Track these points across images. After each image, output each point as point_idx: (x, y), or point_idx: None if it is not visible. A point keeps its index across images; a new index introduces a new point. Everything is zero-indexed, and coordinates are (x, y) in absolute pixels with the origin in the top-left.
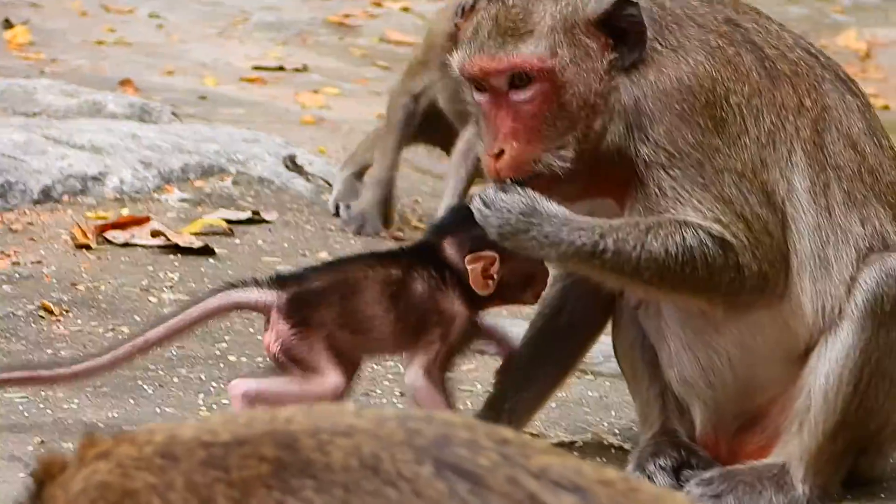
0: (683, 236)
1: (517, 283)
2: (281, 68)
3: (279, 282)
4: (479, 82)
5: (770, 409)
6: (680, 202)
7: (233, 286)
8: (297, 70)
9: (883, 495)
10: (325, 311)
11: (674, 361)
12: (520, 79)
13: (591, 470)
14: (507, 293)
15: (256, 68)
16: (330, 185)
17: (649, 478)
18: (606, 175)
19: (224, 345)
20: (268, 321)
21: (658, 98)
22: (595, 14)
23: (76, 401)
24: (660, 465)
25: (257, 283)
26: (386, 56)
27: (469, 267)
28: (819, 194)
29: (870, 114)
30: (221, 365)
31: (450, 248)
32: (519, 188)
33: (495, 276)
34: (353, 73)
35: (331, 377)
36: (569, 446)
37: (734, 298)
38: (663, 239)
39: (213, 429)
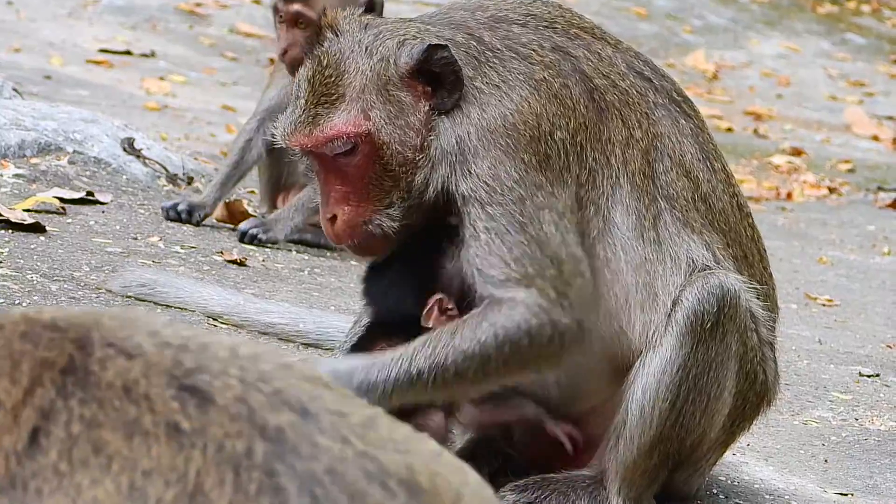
0: (492, 322)
1: None
2: (128, 53)
3: None
4: (309, 156)
5: (590, 419)
6: (488, 247)
7: None
8: (144, 56)
9: None
10: None
11: None
12: (341, 146)
13: (333, 399)
14: None
15: (104, 51)
16: (167, 170)
17: None
18: (437, 219)
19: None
20: None
21: (482, 135)
22: (407, 66)
23: None
24: (475, 469)
25: None
26: (235, 47)
27: (429, 325)
28: (648, 228)
29: (703, 136)
30: None
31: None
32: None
33: (451, 307)
34: (200, 63)
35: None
36: None
37: (560, 354)
38: (472, 332)
39: (40, 310)
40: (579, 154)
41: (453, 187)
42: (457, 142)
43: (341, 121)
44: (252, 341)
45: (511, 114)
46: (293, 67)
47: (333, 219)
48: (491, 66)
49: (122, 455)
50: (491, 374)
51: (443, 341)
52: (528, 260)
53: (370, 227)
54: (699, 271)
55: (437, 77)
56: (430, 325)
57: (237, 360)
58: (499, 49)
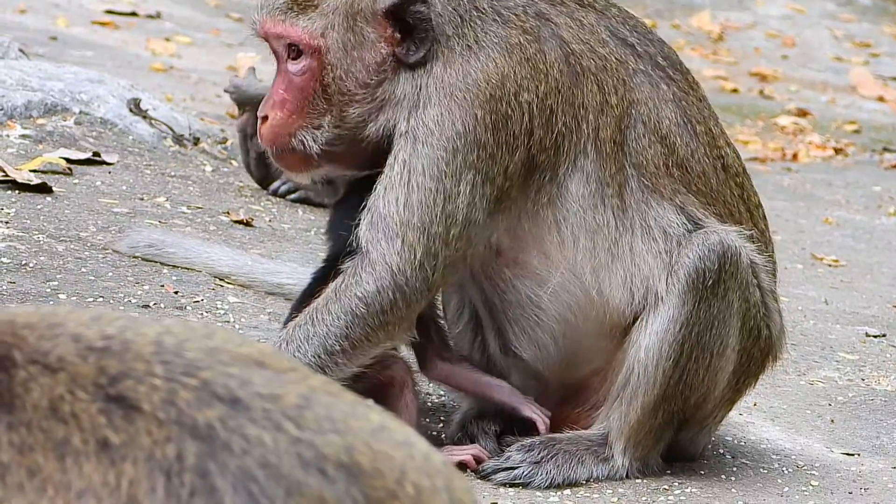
0: (348, 285)
1: None
2: (134, 14)
3: None
4: (267, 42)
5: (593, 380)
6: (396, 180)
7: None
8: (150, 16)
9: (703, 472)
10: None
11: (498, 332)
12: (294, 50)
13: (265, 380)
14: None
15: (109, 12)
16: (173, 131)
17: (472, 439)
18: (381, 158)
19: (55, 283)
20: None
21: (440, 87)
22: (383, 6)
23: None
24: (483, 428)
25: None
26: (240, 8)
27: None
28: (611, 195)
29: (688, 100)
30: (51, 302)
31: None
32: None
33: None
34: (206, 24)
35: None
36: None
37: (402, 318)
38: (324, 314)
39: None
40: (549, 118)
41: (397, 128)
42: (413, 90)
43: (301, 27)
44: (180, 322)
45: (474, 71)
46: None
47: (265, 119)
48: (471, 28)
49: (55, 478)
50: (361, 341)
51: (304, 323)
52: (423, 210)
53: (293, 140)
54: (680, 231)
55: (409, 28)
56: None
57: (161, 356)
58: (484, 10)
